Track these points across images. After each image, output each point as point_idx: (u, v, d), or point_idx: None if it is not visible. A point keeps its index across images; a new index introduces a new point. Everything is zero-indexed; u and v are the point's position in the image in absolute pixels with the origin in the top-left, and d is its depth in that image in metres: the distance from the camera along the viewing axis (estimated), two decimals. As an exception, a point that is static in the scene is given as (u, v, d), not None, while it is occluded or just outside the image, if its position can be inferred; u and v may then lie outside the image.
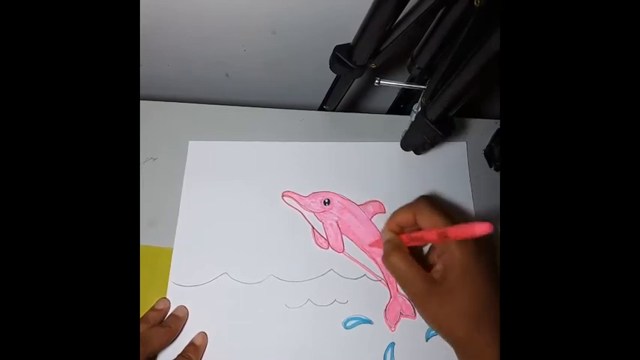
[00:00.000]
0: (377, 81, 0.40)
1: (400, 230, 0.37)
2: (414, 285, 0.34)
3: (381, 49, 0.36)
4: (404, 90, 0.46)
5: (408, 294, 0.35)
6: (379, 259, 0.41)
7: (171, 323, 0.37)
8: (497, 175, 0.45)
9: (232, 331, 0.38)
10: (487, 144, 0.45)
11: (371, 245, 0.41)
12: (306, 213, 0.43)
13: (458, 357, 0.33)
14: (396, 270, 0.34)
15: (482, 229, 0.28)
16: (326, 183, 0.44)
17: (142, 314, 0.37)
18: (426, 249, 0.40)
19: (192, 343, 0.37)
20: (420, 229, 0.36)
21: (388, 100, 0.51)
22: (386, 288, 0.40)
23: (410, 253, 0.35)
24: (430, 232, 0.34)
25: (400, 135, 0.45)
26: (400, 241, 0.36)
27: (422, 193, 0.44)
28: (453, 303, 0.32)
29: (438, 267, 0.34)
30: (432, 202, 0.36)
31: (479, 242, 0.31)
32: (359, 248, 0.42)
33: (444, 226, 0.33)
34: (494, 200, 0.44)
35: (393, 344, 0.38)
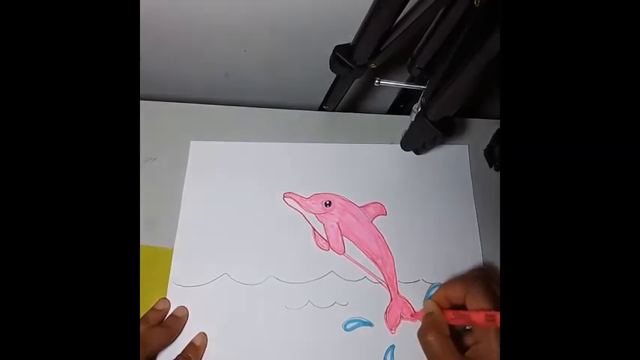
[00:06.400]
0: (377, 81, 0.40)
1: (447, 304, 0.36)
2: None
3: (381, 49, 0.36)
4: (404, 90, 0.46)
5: None
6: (380, 262, 0.41)
7: (171, 323, 0.37)
8: (497, 175, 0.45)
9: (232, 331, 0.38)
10: (487, 144, 0.45)
11: (413, 316, 0.39)
12: (307, 214, 0.43)
13: None
14: (430, 349, 0.33)
15: None
16: (327, 184, 0.44)
17: (142, 314, 0.37)
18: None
19: (192, 344, 0.37)
20: (465, 307, 0.34)
21: (388, 100, 0.51)
22: (386, 290, 0.40)
23: (449, 334, 0.34)
24: (478, 314, 0.32)
25: (400, 135, 0.45)
26: (442, 319, 0.34)
27: (423, 195, 0.44)
28: None
29: (472, 354, 0.33)
30: (488, 284, 0.34)
31: None
32: (360, 250, 0.42)
33: (494, 310, 0.31)
34: (495, 201, 0.44)
35: (393, 347, 0.38)
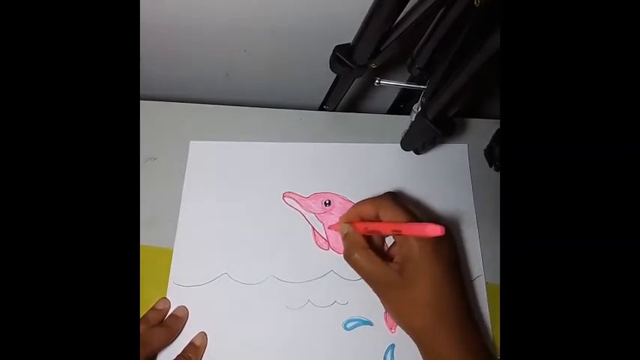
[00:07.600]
0: (377, 81, 0.40)
1: (360, 221, 0.37)
2: (377, 280, 0.35)
3: (381, 49, 0.36)
4: (404, 90, 0.46)
5: (372, 289, 0.36)
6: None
7: (171, 323, 0.37)
8: (497, 175, 0.45)
9: (232, 331, 0.38)
10: (487, 144, 0.45)
11: (330, 228, 0.42)
12: (306, 214, 0.43)
13: (419, 350, 0.34)
14: (359, 268, 0.35)
15: (434, 230, 0.29)
16: (327, 184, 0.44)
17: (142, 314, 0.37)
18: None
19: (192, 344, 0.37)
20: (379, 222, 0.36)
21: (388, 100, 0.51)
22: (386, 288, 0.40)
23: (370, 247, 0.35)
24: (386, 226, 0.34)
25: (400, 135, 0.45)
26: (359, 235, 0.36)
27: (423, 195, 0.44)
28: (411, 294, 0.33)
29: (398, 259, 0.35)
30: (396, 198, 0.36)
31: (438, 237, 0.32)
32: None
33: (401, 223, 0.33)
34: (495, 201, 0.44)
35: (393, 346, 0.38)
